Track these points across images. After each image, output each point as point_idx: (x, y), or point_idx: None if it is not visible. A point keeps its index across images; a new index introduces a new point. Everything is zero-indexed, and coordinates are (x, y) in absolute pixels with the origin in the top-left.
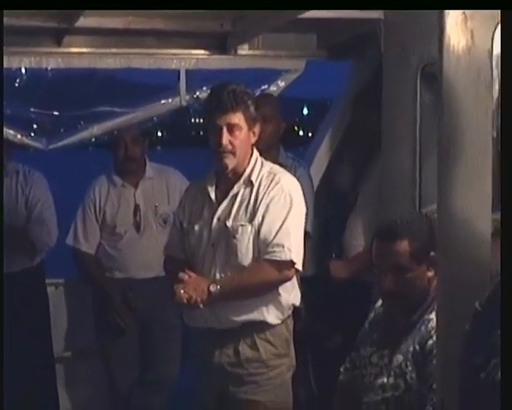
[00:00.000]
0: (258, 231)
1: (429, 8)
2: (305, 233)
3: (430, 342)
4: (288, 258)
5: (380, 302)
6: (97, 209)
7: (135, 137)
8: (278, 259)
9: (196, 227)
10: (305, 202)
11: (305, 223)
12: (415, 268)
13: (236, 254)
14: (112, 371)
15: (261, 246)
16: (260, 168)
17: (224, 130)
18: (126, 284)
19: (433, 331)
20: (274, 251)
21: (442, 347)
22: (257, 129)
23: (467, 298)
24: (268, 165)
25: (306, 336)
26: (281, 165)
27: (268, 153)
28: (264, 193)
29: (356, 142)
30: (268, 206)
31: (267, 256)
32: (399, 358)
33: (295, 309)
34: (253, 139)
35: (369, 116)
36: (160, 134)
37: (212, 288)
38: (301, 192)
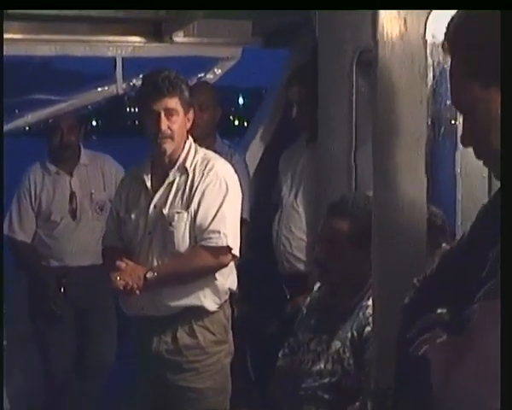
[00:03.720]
0: (194, 218)
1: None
2: (242, 220)
3: (368, 328)
4: (224, 244)
5: (316, 287)
6: (32, 197)
7: (71, 125)
8: (214, 245)
9: (133, 215)
10: (241, 189)
11: (242, 210)
12: (350, 251)
13: (173, 241)
14: (47, 358)
15: (197, 233)
16: (194, 154)
17: (162, 115)
18: (62, 271)
19: (370, 318)
20: (210, 237)
21: (378, 333)
22: (191, 115)
23: (402, 284)
24: (202, 151)
25: (244, 322)
26: (217, 152)
27: (204, 141)
28: (200, 180)
29: (291, 130)
30: (203, 192)
31: (203, 243)
32: (337, 344)
33: (232, 295)
34: (188, 125)
35: (305, 102)
36: (95, 123)
37: (149, 275)
38: (236, 178)
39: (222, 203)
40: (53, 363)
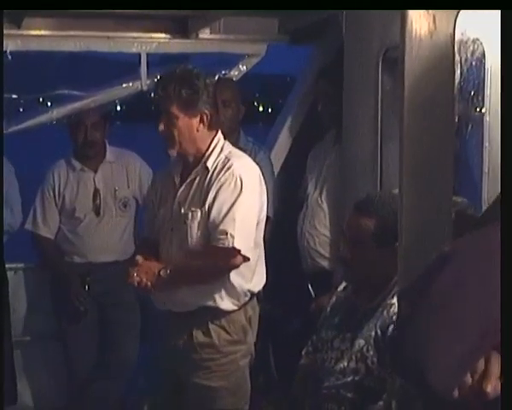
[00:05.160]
0: (207, 217)
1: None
2: (267, 218)
3: (392, 326)
4: (230, 245)
5: (342, 287)
6: (56, 194)
7: (95, 122)
8: (221, 246)
9: (161, 210)
10: (265, 187)
11: (266, 208)
12: (375, 249)
13: (187, 239)
14: (70, 355)
15: (210, 232)
16: (219, 153)
17: (162, 118)
18: (85, 268)
19: (394, 316)
20: (219, 238)
21: None
22: (206, 115)
23: None
24: (227, 149)
25: (267, 320)
26: (240, 149)
27: (228, 137)
28: (216, 178)
29: (318, 128)
30: (218, 191)
31: (214, 243)
32: (361, 342)
33: (253, 295)
34: (202, 126)
35: (331, 99)
36: (119, 118)
37: (163, 273)
38: (256, 177)
39: (233, 203)
40: (76, 360)
